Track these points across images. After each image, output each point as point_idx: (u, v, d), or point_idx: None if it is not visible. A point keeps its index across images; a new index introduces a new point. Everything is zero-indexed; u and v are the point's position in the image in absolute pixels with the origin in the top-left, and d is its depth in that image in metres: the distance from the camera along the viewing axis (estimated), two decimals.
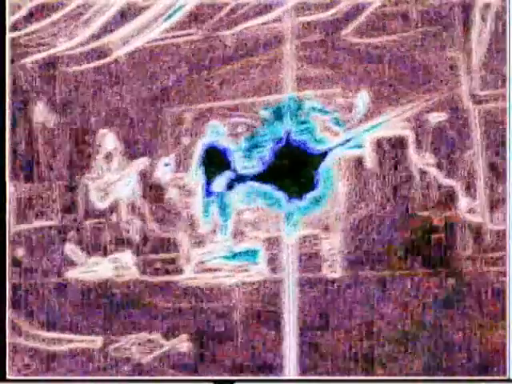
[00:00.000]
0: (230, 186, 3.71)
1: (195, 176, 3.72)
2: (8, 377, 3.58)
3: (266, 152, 3.68)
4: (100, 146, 3.76)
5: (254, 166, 3.70)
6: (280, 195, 3.65)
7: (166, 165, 3.74)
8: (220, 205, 3.71)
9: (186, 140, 3.74)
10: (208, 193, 3.72)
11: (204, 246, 3.71)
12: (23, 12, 3.76)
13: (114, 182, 3.77)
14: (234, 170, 3.71)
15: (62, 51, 3.77)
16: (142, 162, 3.74)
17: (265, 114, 3.67)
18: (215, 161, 3.71)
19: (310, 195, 3.65)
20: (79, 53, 3.76)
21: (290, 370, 3.59)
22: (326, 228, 3.65)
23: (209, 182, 3.73)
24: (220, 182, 3.70)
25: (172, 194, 3.74)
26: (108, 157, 3.76)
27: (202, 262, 3.71)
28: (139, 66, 3.73)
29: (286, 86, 3.65)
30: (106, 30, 3.75)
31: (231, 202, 3.70)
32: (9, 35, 3.72)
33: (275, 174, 3.67)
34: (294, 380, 3.58)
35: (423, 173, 3.62)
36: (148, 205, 3.75)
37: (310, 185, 3.65)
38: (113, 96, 3.74)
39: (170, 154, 3.73)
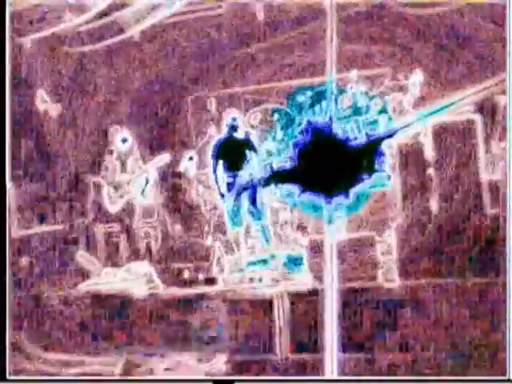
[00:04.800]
0: (262, 183, 3.28)
1: (217, 172, 3.31)
2: (8, 377, 3.27)
3: (304, 143, 3.25)
4: (113, 141, 3.31)
5: (289, 159, 3.28)
6: (319, 193, 3.22)
7: (191, 159, 3.31)
8: (250, 204, 3.28)
9: (211, 130, 3.33)
10: (232, 190, 3.30)
11: (235, 251, 3.27)
12: None
13: (129, 181, 3.33)
14: (268, 165, 3.29)
15: (67, 29, 3.32)
16: (162, 158, 3.29)
17: (302, 99, 3.24)
18: (238, 153, 3.30)
19: (354, 191, 3.23)
20: (87, 30, 3.32)
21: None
22: (378, 229, 3.21)
23: (233, 178, 3.31)
24: (247, 177, 3.29)
25: (197, 191, 3.30)
26: (122, 154, 3.31)
27: (237, 270, 3.26)
28: (156, 45, 3.29)
29: (326, 67, 3.21)
30: (118, 5, 3.32)
31: (264, 200, 3.28)
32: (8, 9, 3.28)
33: (314, 168, 3.22)
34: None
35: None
36: (170, 206, 3.31)
37: (355, 180, 3.22)
38: (126, 80, 3.31)
39: (195, 147, 3.31)
